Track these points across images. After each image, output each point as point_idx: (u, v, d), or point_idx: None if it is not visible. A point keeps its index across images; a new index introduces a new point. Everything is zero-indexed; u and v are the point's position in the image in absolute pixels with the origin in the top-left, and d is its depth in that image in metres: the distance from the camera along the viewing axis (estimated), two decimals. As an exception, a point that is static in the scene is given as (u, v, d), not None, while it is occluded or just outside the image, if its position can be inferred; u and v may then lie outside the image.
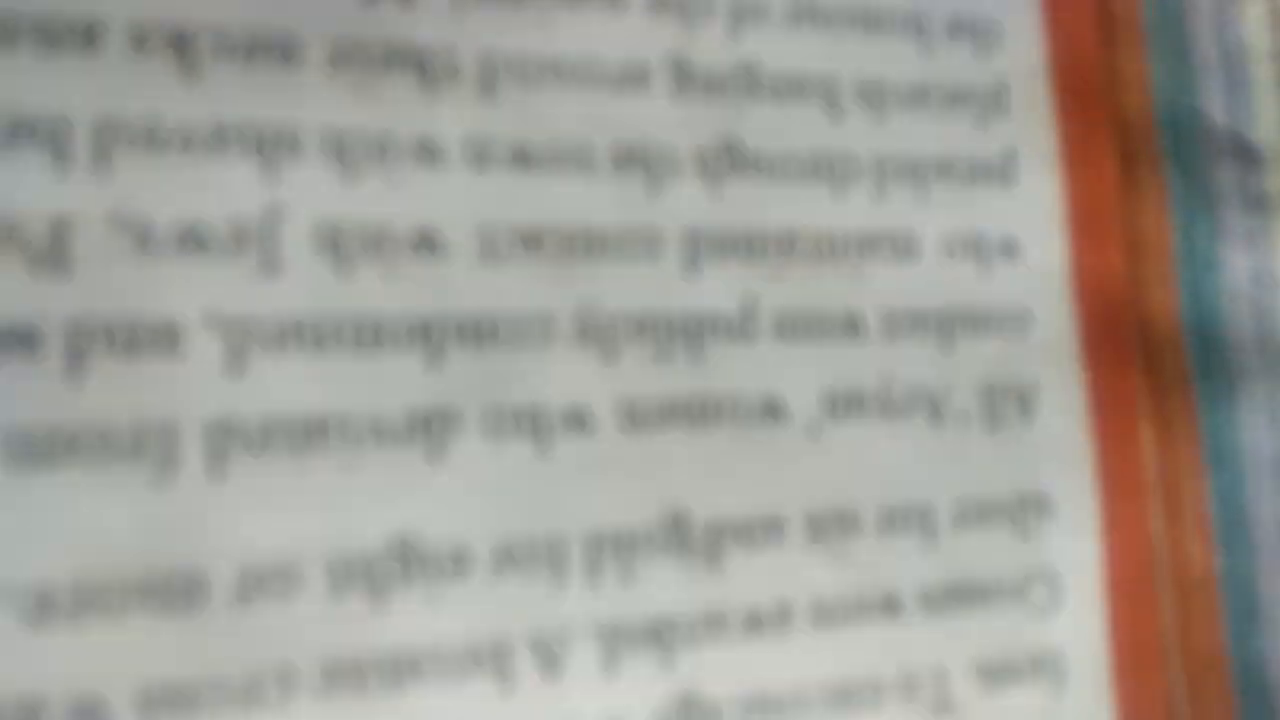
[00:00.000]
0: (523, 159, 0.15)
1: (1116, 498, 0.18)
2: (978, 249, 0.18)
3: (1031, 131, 0.19)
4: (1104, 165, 0.19)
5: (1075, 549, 0.18)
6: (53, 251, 0.13)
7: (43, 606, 0.12)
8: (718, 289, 0.16)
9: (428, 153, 0.15)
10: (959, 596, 0.17)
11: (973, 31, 0.18)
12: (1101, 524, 0.18)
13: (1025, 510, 0.18)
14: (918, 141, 0.18)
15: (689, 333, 0.16)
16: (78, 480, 0.12)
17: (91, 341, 0.13)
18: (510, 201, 0.15)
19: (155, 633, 0.12)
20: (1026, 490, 0.18)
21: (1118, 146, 0.19)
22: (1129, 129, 0.19)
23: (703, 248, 0.16)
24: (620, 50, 0.16)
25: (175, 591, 0.13)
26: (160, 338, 0.13)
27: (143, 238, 0.13)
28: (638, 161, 0.16)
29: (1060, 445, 0.18)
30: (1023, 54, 0.19)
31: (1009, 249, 0.18)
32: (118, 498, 0.13)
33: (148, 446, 0.13)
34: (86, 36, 0.13)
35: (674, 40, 0.16)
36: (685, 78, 0.16)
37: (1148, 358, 0.19)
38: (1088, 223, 0.19)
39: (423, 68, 0.15)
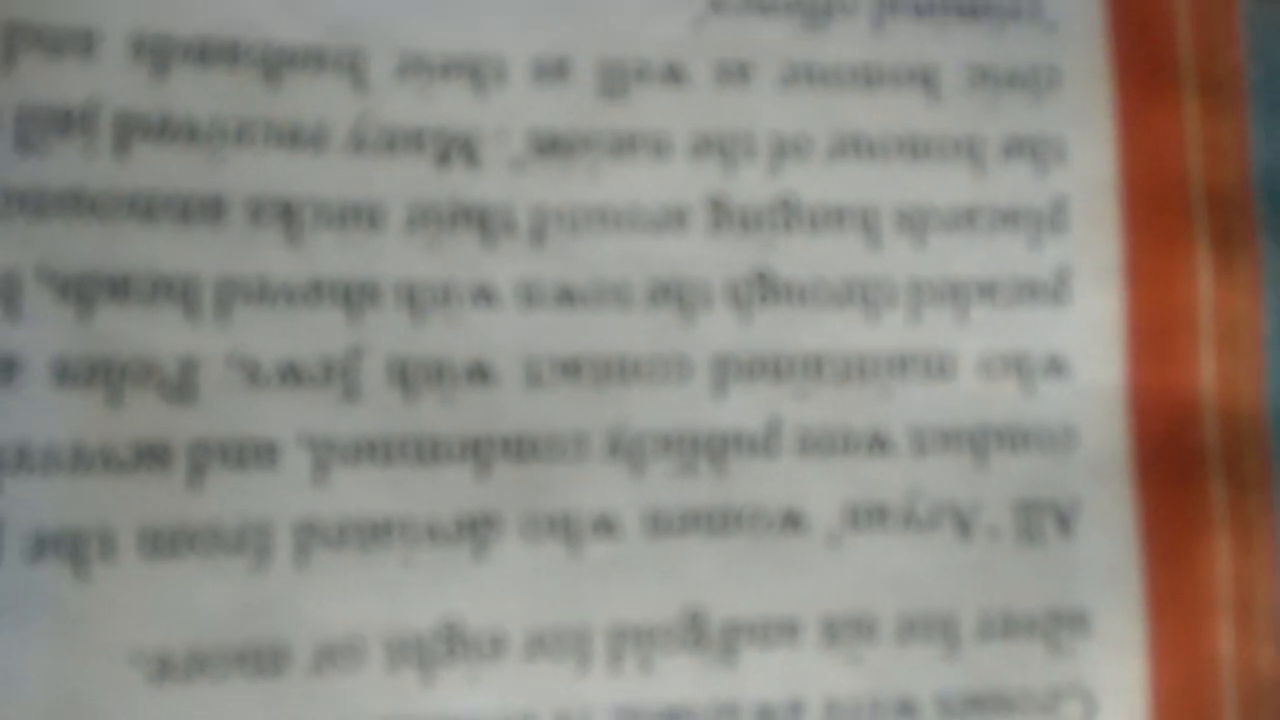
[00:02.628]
0: (566, 297, 0.19)
1: (1169, 616, 0.20)
2: (1020, 368, 0.20)
3: (1091, 248, 0.20)
4: (1175, 276, 0.20)
5: (1115, 667, 0.20)
6: (181, 385, 0.18)
7: (162, 669, 0.17)
8: (743, 408, 0.19)
9: (484, 296, 0.19)
10: (981, 707, 0.19)
11: (1033, 150, 0.20)
12: (1149, 642, 0.20)
13: (1059, 626, 0.20)
14: (959, 264, 0.20)
15: (713, 448, 0.19)
16: (193, 569, 0.17)
17: (209, 457, 0.18)
18: (553, 335, 0.19)
19: (248, 693, 0.17)
20: (1061, 606, 0.20)
21: (1206, 232, 0.20)
22: (1223, 206, 0.21)
23: (730, 371, 0.19)
24: (662, 194, 0.19)
25: (264, 660, 0.17)
26: (262, 454, 0.18)
27: (253, 374, 0.18)
28: (672, 294, 0.19)
29: (1102, 563, 0.20)
30: (1089, 169, 0.20)
31: (1056, 367, 0.20)
32: (223, 583, 0.17)
33: (248, 542, 0.18)
34: (213, 210, 0.18)
35: (714, 180, 0.20)
36: (722, 215, 0.20)
37: (1228, 461, 0.20)
38: (1149, 338, 0.20)
39: (484, 222, 0.19)
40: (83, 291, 0.18)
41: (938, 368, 0.20)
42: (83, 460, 0.17)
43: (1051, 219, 0.20)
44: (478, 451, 0.19)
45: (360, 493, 0.18)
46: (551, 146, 0.19)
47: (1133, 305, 0.21)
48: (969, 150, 0.20)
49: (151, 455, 0.18)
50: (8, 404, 0.17)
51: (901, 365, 0.20)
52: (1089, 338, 0.20)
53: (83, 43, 0.18)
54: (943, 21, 0.20)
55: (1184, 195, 0.21)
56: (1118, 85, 0.21)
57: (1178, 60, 0.21)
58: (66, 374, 0.18)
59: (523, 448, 0.19)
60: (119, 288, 0.18)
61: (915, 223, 0.20)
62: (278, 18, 0.19)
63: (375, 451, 0.19)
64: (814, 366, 0.20)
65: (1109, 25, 0.21)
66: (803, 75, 0.20)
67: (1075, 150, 0.21)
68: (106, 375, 0.18)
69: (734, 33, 0.20)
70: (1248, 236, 0.21)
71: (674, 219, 0.20)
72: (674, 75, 0.20)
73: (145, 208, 0.18)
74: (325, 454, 0.18)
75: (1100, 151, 0.21)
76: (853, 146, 0.20)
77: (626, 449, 0.19)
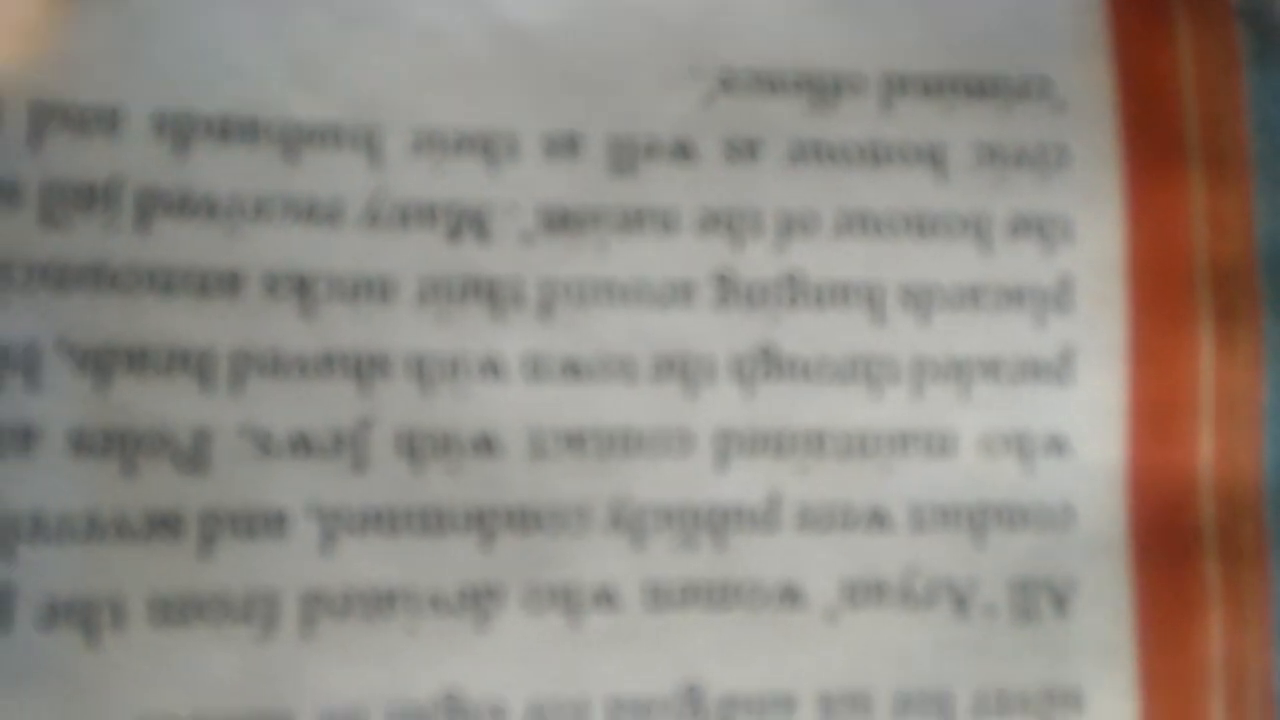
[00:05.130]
0: (573, 370, 0.19)
1: (1162, 693, 0.20)
2: (1021, 446, 0.20)
3: (1096, 327, 0.20)
4: (1178, 354, 0.20)
5: (1109, 745, 0.19)
6: (194, 455, 0.18)
7: (168, 733, 0.17)
8: (744, 483, 0.19)
9: (491, 368, 0.19)
10: (975, 781, 0.19)
11: (1039, 229, 0.20)
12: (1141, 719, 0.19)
13: (1053, 704, 0.19)
14: (963, 342, 0.20)
15: (714, 522, 0.19)
16: (201, 636, 0.18)
17: (219, 527, 0.18)
18: (559, 407, 0.19)
19: (251, 756, 0.17)
20: (1056, 685, 0.19)
21: (1210, 309, 0.20)
22: (1227, 281, 0.20)
23: (733, 445, 0.19)
24: (669, 269, 0.19)
25: (268, 725, 0.18)
26: (271, 524, 0.18)
27: (264, 445, 0.18)
28: (676, 369, 0.19)
29: (1097, 642, 0.20)
30: (1096, 248, 0.20)
31: (1057, 446, 0.20)
32: (230, 651, 0.18)
33: (255, 611, 0.18)
34: (230, 284, 0.18)
35: (721, 256, 0.20)
36: (729, 290, 0.19)
37: (1223, 537, 0.20)
38: (1150, 417, 0.20)
39: (493, 295, 0.19)
40: (101, 363, 0.18)
41: (939, 445, 0.20)
42: (96, 529, 0.18)
43: (1057, 298, 0.20)
44: (482, 522, 0.19)
45: (366, 563, 0.19)
46: (561, 221, 0.19)
47: (1135, 384, 0.20)
48: (975, 228, 0.20)
49: (164, 524, 0.18)
50: (25, 473, 0.17)
51: (903, 442, 0.20)
52: (1091, 417, 0.20)
53: (107, 121, 0.18)
54: (951, 100, 0.20)
55: (1189, 272, 0.20)
56: (1126, 163, 0.21)
57: (1184, 134, 0.21)
58: (83, 444, 0.18)
59: (526, 519, 0.19)
60: (136, 359, 0.18)
61: (920, 300, 0.20)
62: (297, 95, 0.19)
63: (382, 522, 0.19)
64: (816, 442, 0.20)
65: (1119, 102, 0.21)
66: (810, 153, 0.20)
67: (1082, 229, 0.20)
68: (122, 445, 0.18)
69: (743, 110, 0.20)
70: (1250, 311, 0.20)
71: (680, 294, 0.20)
72: (683, 152, 0.20)
73: (164, 281, 0.18)
74: (333, 524, 0.19)
75: (1107, 230, 0.20)
76: (859, 223, 0.20)
77: (628, 521, 0.19)
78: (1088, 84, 0.20)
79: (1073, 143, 0.20)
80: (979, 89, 0.20)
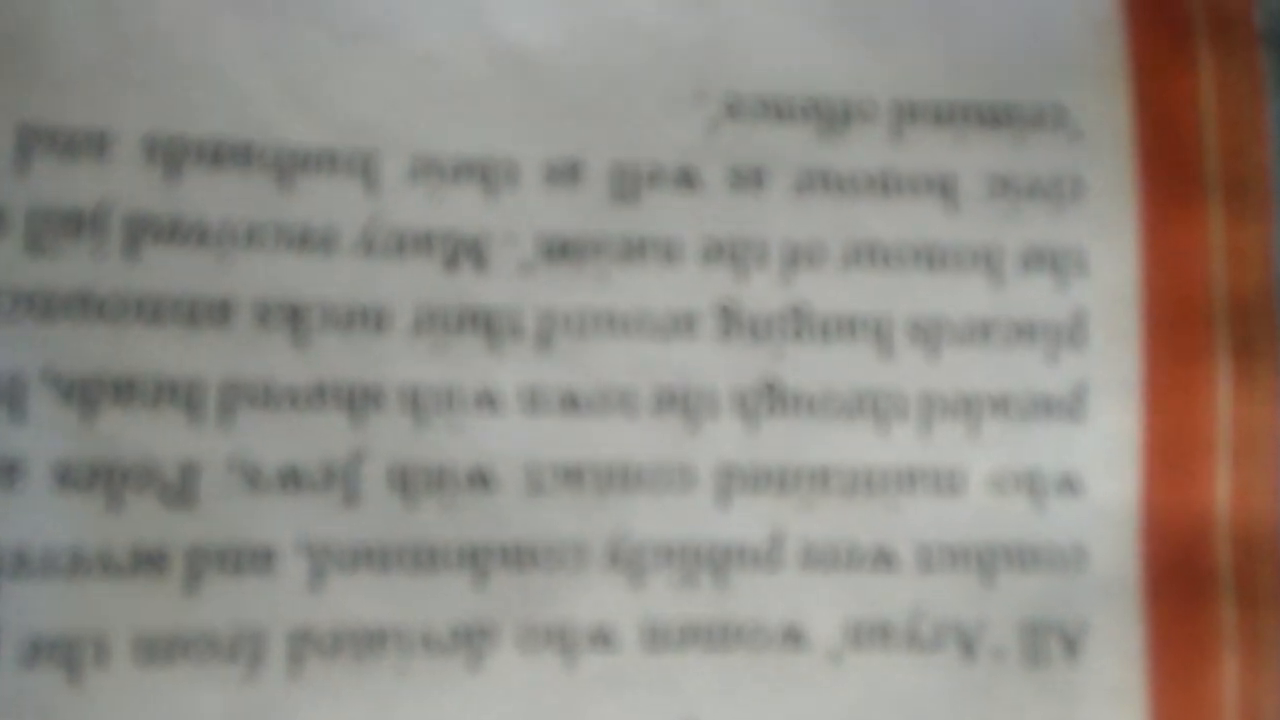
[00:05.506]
0: (571, 404, 0.18)
1: (1177, 743, 0.19)
2: (1032, 485, 0.19)
3: (1110, 362, 0.19)
4: (1194, 390, 0.19)
5: (1120, 792, 0.19)
6: (182, 490, 0.17)
7: (150, 776, 0.17)
8: (747, 520, 0.19)
9: (488, 401, 0.18)
10: (981, 828, 0.18)
11: (1053, 262, 0.19)
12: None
13: (1062, 750, 0.19)
14: (973, 378, 0.19)
15: (715, 560, 0.19)
16: (186, 676, 0.17)
17: (206, 563, 0.17)
18: (556, 442, 0.18)
19: (235, 798, 0.17)
20: (1065, 730, 0.19)
21: (1228, 343, 0.19)
22: (1245, 315, 0.20)
23: (735, 482, 0.19)
24: (671, 300, 0.19)
25: (253, 766, 0.17)
26: (259, 560, 0.18)
27: (253, 479, 0.18)
28: (678, 403, 0.19)
29: (1108, 686, 0.19)
30: (1110, 281, 0.20)
31: (1069, 485, 0.19)
32: (215, 690, 0.17)
33: (241, 650, 0.17)
34: (220, 313, 0.18)
35: (724, 287, 0.19)
36: (732, 322, 0.19)
37: (1239, 579, 0.19)
38: (1166, 456, 0.19)
39: (490, 326, 0.18)
40: (87, 394, 0.17)
41: (947, 483, 0.19)
42: (80, 565, 0.17)
43: (1070, 333, 0.20)
44: (476, 560, 0.18)
45: (356, 600, 0.18)
46: (561, 251, 0.19)
47: (1150, 422, 0.20)
48: (987, 261, 0.20)
49: (149, 560, 0.17)
50: (8, 507, 0.17)
51: (910, 480, 0.19)
52: (1104, 455, 0.19)
53: (96, 144, 0.18)
54: (963, 129, 0.20)
55: (1206, 305, 0.20)
56: (1143, 194, 0.20)
57: (1204, 164, 0.20)
58: (68, 477, 0.17)
59: (522, 556, 0.18)
60: (123, 391, 0.18)
61: (929, 334, 0.19)
62: (291, 119, 0.18)
63: (373, 558, 0.18)
64: (820, 479, 0.19)
65: (1136, 132, 0.20)
66: (818, 182, 0.19)
67: (1097, 262, 0.20)
68: (108, 479, 0.17)
69: (748, 138, 0.19)
70: (1269, 346, 0.20)
71: (683, 326, 0.19)
72: (687, 180, 0.19)
73: (153, 310, 0.18)
74: (322, 560, 0.18)
75: (1122, 263, 0.20)
76: (867, 255, 0.19)
77: (627, 559, 0.19)
78: (1105, 112, 0.20)
79: (1088, 173, 0.20)
80: (992, 117, 0.20)
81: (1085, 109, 0.20)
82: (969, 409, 0.19)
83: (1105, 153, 0.20)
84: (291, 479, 0.18)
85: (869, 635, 0.19)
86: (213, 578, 0.18)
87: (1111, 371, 0.20)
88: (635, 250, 0.19)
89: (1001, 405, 0.19)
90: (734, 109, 0.19)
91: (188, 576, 0.17)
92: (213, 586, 0.18)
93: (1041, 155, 0.20)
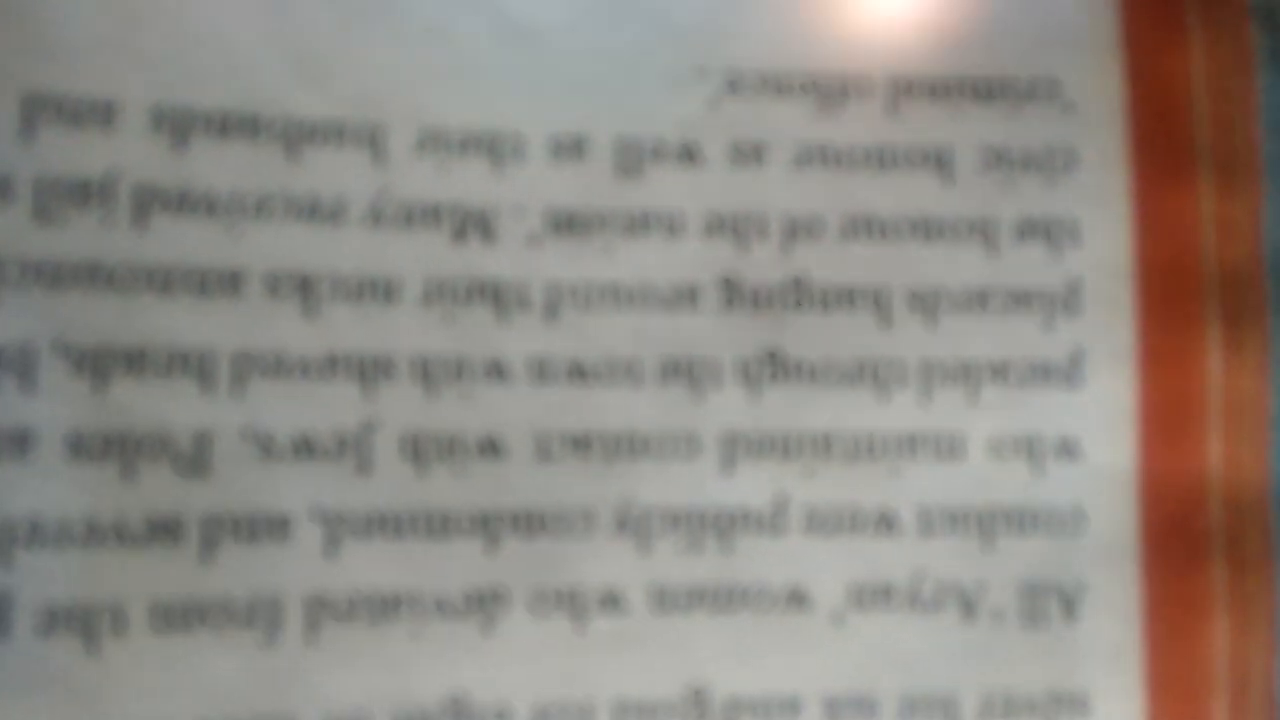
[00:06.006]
0: (578, 373, 0.19)
1: (1168, 697, 0.19)
2: (1031, 450, 0.19)
3: (1105, 331, 0.20)
4: (1186, 359, 0.20)
5: (1115, 749, 0.19)
6: (195, 459, 0.17)
7: (170, 740, 0.17)
8: (751, 486, 0.19)
9: (496, 371, 0.18)
10: (981, 785, 0.19)
11: (1046, 232, 0.20)
12: (1148, 724, 0.19)
13: (1059, 708, 0.19)
14: (971, 345, 0.19)
15: (720, 525, 0.19)
16: (203, 642, 0.17)
17: (221, 532, 0.17)
18: (564, 411, 0.19)
19: (253, 762, 0.17)
20: (1062, 688, 0.19)
21: (1218, 313, 0.20)
22: (1235, 285, 0.20)
23: (739, 449, 0.19)
24: (674, 272, 0.19)
25: (271, 731, 0.17)
26: (274, 528, 0.18)
27: (266, 447, 0.18)
28: (682, 372, 0.19)
29: (1105, 646, 0.19)
30: (1103, 251, 0.20)
31: (1068, 450, 0.20)
32: (233, 656, 0.17)
33: (259, 616, 0.17)
34: (231, 283, 0.18)
35: (726, 259, 0.19)
36: (734, 293, 0.19)
37: (1230, 541, 0.20)
38: (1161, 422, 0.20)
39: (498, 298, 0.19)
40: (98, 364, 0.17)
41: (947, 448, 0.20)
42: (95, 534, 0.17)
43: (1065, 301, 0.20)
44: (487, 526, 0.19)
45: (370, 567, 0.18)
46: (567, 224, 0.19)
47: (1145, 388, 0.20)
48: (982, 231, 0.20)
49: (164, 529, 0.17)
50: (22, 477, 0.17)
51: (911, 445, 0.20)
52: (1101, 421, 0.20)
53: (103, 114, 0.18)
54: (958, 103, 0.20)
55: (1197, 276, 0.20)
56: (1135, 165, 0.20)
57: (1194, 137, 0.21)
58: (81, 447, 0.17)
59: (531, 523, 0.19)
60: (135, 361, 0.18)
61: (927, 303, 0.20)
62: (299, 91, 0.19)
63: (386, 525, 0.18)
64: (823, 445, 0.19)
65: (1129, 104, 0.20)
66: (816, 156, 0.20)
67: (1090, 232, 0.20)
68: (121, 449, 0.17)
69: (749, 113, 0.20)
70: (1258, 315, 0.20)
71: (686, 297, 0.19)
72: (689, 154, 0.19)
73: (163, 280, 0.18)
74: (337, 528, 0.18)
75: (1115, 233, 0.20)
76: (865, 227, 0.20)
77: (634, 525, 0.19)
78: (1097, 85, 0.20)
79: (1081, 145, 0.20)
80: (986, 91, 0.20)
81: (1078, 82, 0.20)
82: (968, 375, 0.20)
83: (1097, 125, 0.20)
84: (304, 448, 0.18)
85: (871, 597, 0.19)
86: (228, 546, 0.18)
87: (1106, 339, 0.20)
88: (639, 223, 0.19)
89: (1000, 372, 0.20)
90: (735, 85, 0.20)
91: (203, 544, 0.18)
92: (228, 554, 0.18)
93: (1035, 128, 0.20)
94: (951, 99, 0.20)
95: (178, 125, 0.18)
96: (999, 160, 0.20)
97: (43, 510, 0.17)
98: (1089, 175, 0.20)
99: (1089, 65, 0.20)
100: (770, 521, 0.19)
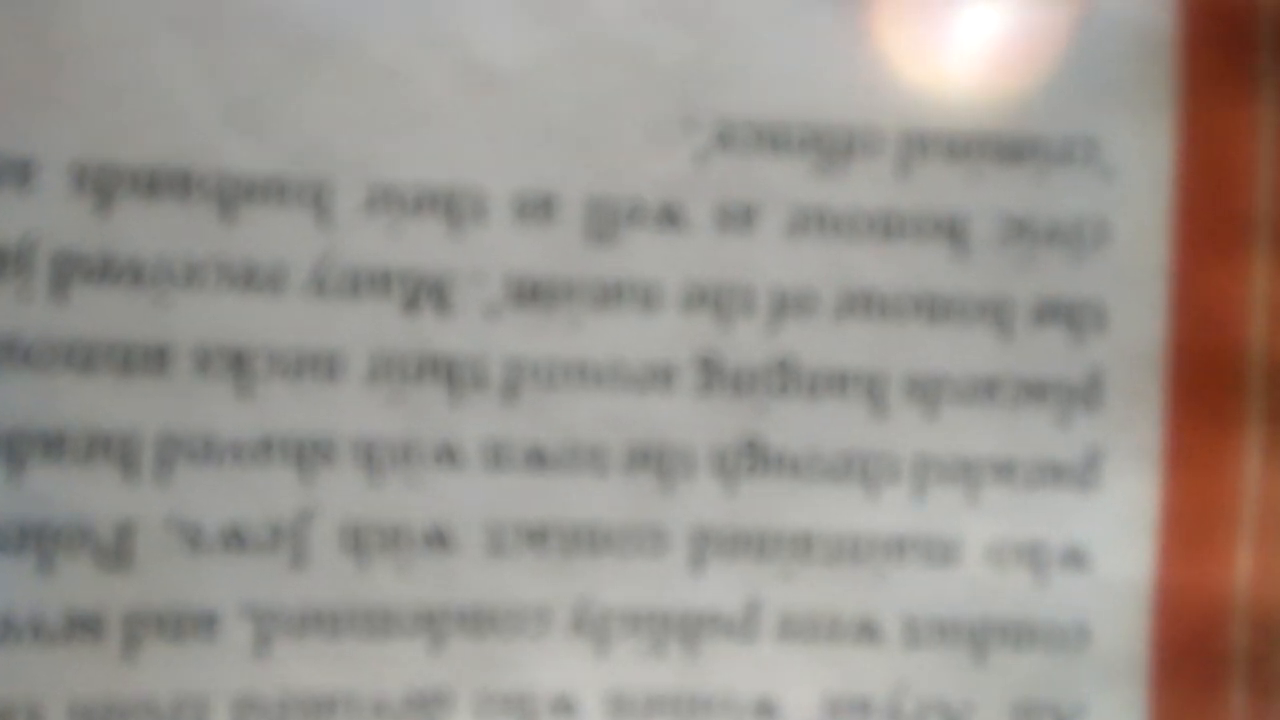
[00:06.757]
0: (537, 460, 0.17)
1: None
2: (1034, 558, 0.18)
3: (1127, 428, 0.18)
4: (1220, 460, 0.18)
5: None
6: (118, 551, 0.16)
7: None
8: (721, 587, 0.17)
9: (448, 456, 0.17)
10: None
11: (1068, 316, 0.18)
12: None
13: (1047, 836, 0.18)
14: (974, 440, 0.18)
15: (686, 629, 0.17)
16: (122, 748, 0.16)
17: (145, 628, 0.16)
18: (521, 500, 0.17)
19: None
20: (1052, 815, 0.18)
21: (1261, 410, 0.18)
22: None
23: (710, 546, 0.17)
24: (648, 350, 0.17)
25: (193, 839, 0.16)
26: (201, 625, 0.16)
27: (194, 539, 0.16)
28: (651, 460, 0.17)
29: (1102, 772, 0.18)
30: (1131, 337, 0.18)
31: (1074, 559, 0.18)
32: (154, 761, 0.16)
33: (184, 717, 0.16)
34: (158, 359, 0.16)
35: (706, 337, 0.17)
36: (713, 374, 0.17)
37: (1253, 664, 0.18)
38: (1184, 530, 0.18)
39: (451, 376, 0.17)
40: (14, 449, 0.16)
41: (940, 553, 0.18)
42: (11, 631, 0.16)
43: (1084, 394, 0.18)
44: (432, 623, 0.17)
45: (304, 667, 0.17)
46: (531, 293, 0.17)
47: (1168, 492, 0.18)
48: (995, 313, 0.18)
49: (84, 625, 0.16)
50: (-68, 572, 0.16)
51: (899, 548, 0.18)
52: (1116, 528, 0.18)
53: (19, 172, 0.16)
54: (978, 165, 0.18)
55: (1239, 367, 0.18)
56: (1177, 239, 0.18)
57: (1253, 208, 0.18)
58: (-5, 539, 0.16)
59: (480, 621, 0.17)
60: (54, 445, 0.16)
61: (928, 392, 0.18)
62: (235, 144, 0.17)
63: (323, 623, 0.17)
64: (802, 545, 0.18)
65: (1177, 169, 0.18)
66: (813, 222, 0.17)
67: (1117, 316, 0.18)
68: (38, 540, 0.16)
69: (739, 171, 0.17)
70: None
71: (659, 378, 0.17)
72: (670, 217, 0.17)
73: (84, 356, 0.16)
74: (268, 625, 0.17)
75: (1147, 317, 0.18)
76: (863, 304, 0.18)
77: (592, 625, 0.17)
78: (1142, 145, 0.18)
79: (1116, 216, 0.18)
80: (1012, 152, 0.18)
81: (1119, 141, 0.18)
82: (968, 473, 0.18)
83: (1138, 192, 0.18)
84: (235, 538, 0.17)
85: (847, 711, 0.18)
86: (152, 643, 0.16)
87: (1127, 437, 0.18)
88: (611, 295, 0.17)
89: (1004, 471, 0.18)
90: (725, 137, 0.17)
91: (126, 642, 0.16)
92: (152, 652, 0.16)
93: (1064, 195, 0.18)
94: (971, 159, 0.17)
95: (101, 184, 0.16)
96: (1020, 232, 0.18)
97: (-47, 606, 0.16)
98: (1122, 250, 0.18)
99: (1134, 123, 0.18)
100: (741, 626, 0.17)
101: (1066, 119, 0.17)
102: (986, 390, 0.18)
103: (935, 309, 0.18)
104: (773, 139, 0.17)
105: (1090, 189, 0.18)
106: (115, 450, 0.16)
